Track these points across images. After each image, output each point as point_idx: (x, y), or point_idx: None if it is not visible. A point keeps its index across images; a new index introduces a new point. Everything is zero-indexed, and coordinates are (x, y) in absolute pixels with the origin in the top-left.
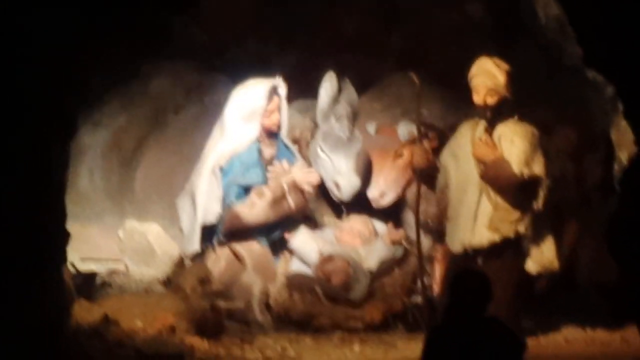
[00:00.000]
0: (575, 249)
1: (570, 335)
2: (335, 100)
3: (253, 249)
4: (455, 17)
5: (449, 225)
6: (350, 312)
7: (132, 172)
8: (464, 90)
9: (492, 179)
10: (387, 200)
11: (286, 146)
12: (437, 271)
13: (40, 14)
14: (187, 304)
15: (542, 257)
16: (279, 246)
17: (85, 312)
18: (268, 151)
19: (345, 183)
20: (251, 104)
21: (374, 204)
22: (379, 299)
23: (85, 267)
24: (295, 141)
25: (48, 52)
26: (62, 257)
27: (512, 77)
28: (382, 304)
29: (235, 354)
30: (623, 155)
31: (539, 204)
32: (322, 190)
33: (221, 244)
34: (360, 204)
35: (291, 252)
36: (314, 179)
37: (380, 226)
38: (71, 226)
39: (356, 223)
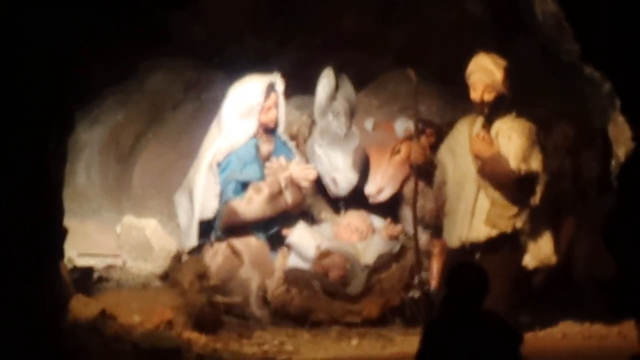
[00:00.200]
0: (573, 244)
1: (567, 330)
2: (333, 96)
3: (251, 244)
4: (453, 14)
5: (447, 221)
6: (347, 306)
7: (130, 168)
8: (462, 87)
9: (490, 174)
10: (385, 196)
11: (283, 142)
12: (435, 266)
13: (37, 11)
14: (184, 299)
15: (540, 252)
16: (276, 241)
17: (82, 307)
18: (265, 147)
19: (342, 179)
20: (249, 100)
21: (372, 200)
22: (377, 293)
23: (82, 262)
24: (293, 137)
25: (45, 48)
26: (60, 252)
27: (509, 74)
28: (380, 299)
29: (233, 348)
30: (620, 151)
31: (536, 199)
32: (319, 186)
33: (219, 239)
34: (357, 199)
35: (289, 247)
36: (311, 175)
37: (377, 222)
38: (69, 222)
39: (354, 219)
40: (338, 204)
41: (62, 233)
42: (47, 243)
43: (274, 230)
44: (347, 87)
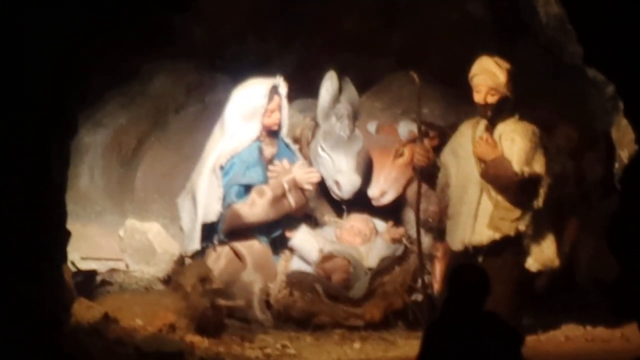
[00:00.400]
0: (576, 247)
1: (570, 333)
2: (336, 99)
3: (253, 248)
4: (456, 16)
5: (450, 224)
6: (350, 310)
7: (133, 172)
8: (465, 89)
9: (493, 177)
10: (388, 198)
11: (287, 145)
12: (438, 269)
13: (40, 13)
14: (187, 302)
15: (543, 255)
16: (279, 245)
17: (85, 311)
18: (269, 150)
19: (345, 182)
20: (252, 103)
21: (375, 203)
22: (380, 297)
23: (85, 265)
24: (296, 140)
25: (48, 51)
26: (63, 256)
27: (512, 76)
28: (383, 302)
29: (236, 352)
30: (623, 154)
31: (539, 202)
32: (322, 189)
33: (222, 242)
34: (360, 202)
35: (292, 250)
36: (315, 178)
37: (380, 225)
38: (72, 225)
39: (357, 222)
40: (341, 207)
41: (65, 236)
42: (50, 246)
43: (277, 233)
44: (350, 90)
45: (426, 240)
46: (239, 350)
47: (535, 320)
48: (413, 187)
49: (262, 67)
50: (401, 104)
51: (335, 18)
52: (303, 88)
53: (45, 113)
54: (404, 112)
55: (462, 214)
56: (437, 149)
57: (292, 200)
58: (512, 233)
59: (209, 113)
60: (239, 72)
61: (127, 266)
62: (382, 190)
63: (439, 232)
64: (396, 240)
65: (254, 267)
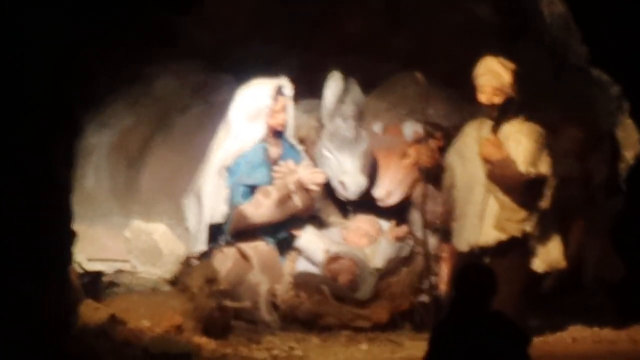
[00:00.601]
0: (582, 248)
1: (577, 334)
2: (341, 100)
3: (260, 249)
4: (460, 17)
5: (456, 225)
6: (357, 311)
7: (139, 172)
8: (470, 90)
9: (499, 178)
10: (394, 199)
11: (292, 146)
12: (444, 270)
13: (46, 16)
14: (194, 304)
15: (549, 256)
16: (285, 246)
17: (92, 312)
18: (274, 151)
19: (351, 182)
20: (257, 103)
21: (380, 204)
22: (386, 298)
23: (91, 267)
24: (301, 141)
25: (53, 53)
26: (69, 257)
27: (517, 77)
28: (389, 303)
29: (242, 353)
30: (629, 154)
31: (545, 203)
32: (328, 190)
33: (228, 243)
34: (366, 203)
35: (298, 251)
36: (320, 178)
37: (386, 226)
38: (77, 226)
39: (363, 223)
40: (347, 208)
41: (71, 237)
42: (56, 248)
43: (283, 234)
44: (356, 91)
45: (432, 241)
46: (245, 351)
47: (542, 322)
48: (419, 188)
49: (267, 68)
50: (406, 104)
51: (340, 19)
52: (308, 89)
53: (50, 114)
54: (409, 113)
55: (468, 215)
56: (443, 150)
57: (297, 201)
58: (518, 234)
59: (214, 114)
60: (243, 73)
61: (133, 267)
62: (388, 191)
63: (445, 233)
64: (400, 239)
65: (260, 268)
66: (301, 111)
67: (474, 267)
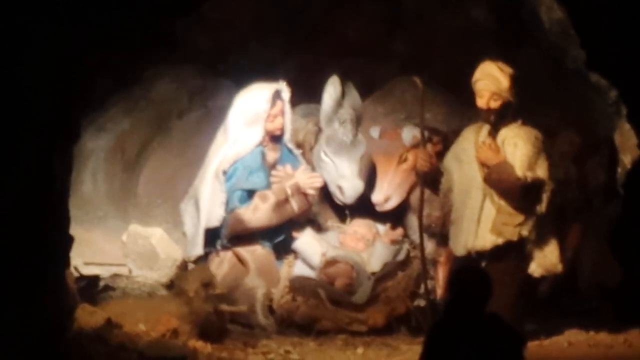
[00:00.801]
0: (579, 252)
1: (573, 338)
2: (339, 104)
3: (256, 253)
4: (459, 22)
5: (453, 229)
6: (353, 315)
7: (136, 177)
8: (468, 95)
9: (496, 182)
10: (392, 204)
11: (290, 150)
12: (441, 274)
13: (44, 20)
14: (190, 308)
15: (546, 260)
16: (282, 250)
17: (88, 316)
18: (271, 155)
19: (348, 187)
20: (255, 108)
21: (378, 208)
22: (383, 302)
23: (88, 271)
24: (299, 145)
25: (52, 57)
26: (66, 261)
27: (515, 81)
28: (386, 308)
29: (239, 357)
30: (626, 159)
31: (542, 207)
32: (325, 194)
33: (225, 247)
34: (364, 208)
35: (295, 254)
36: (318, 182)
37: (383, 229)
38: (74, 230)
39: (360, 227)
40: (344, 212)
41: (68, 241)
42: (53, 251)
43: (280, 238)
44: (353, 95)
45: (429, 245)
46: (242, 355)
47: (538, 326)
48: (416, 193)
49: (265, 73)
50: (404, 109)
51: (339, 24)
52: (306, 93)
53: (48, 118)
54: (407, 117)
55: (465, 219)
56: (440, 154)
57: (295, 205)
58: (515, 238)
59: (212, 118)
60: (242, 77)
61: (130, 271)
62: (387, 195)
63: (442, 237)
64: (395, 242)
65: (257, 272)
66: (299, 115)
67: (469, 270)
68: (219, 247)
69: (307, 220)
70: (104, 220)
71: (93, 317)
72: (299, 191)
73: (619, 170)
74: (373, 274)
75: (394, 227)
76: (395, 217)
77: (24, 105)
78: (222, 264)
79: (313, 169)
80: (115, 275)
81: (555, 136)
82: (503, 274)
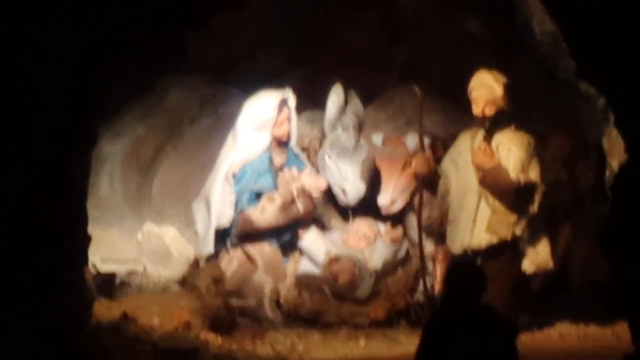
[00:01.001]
0: (569, 250)
1: (564, 331)
2: (342, 111)
3: (264, 251)
4: (456, 33)
5: (450, 228)
6: (356, 309)
7: (150, 179)
8: (464, 102)
9: (491, 184)
10: (397, 207)
11: (295, 154)
12: (438, 271)
13: (64, 33)
14: (201, 302)
15: (538, 257)
16: (288, 248)
17: (105, 310)
18: (278, 159)
19: (351, 189)
20: (262, 115)
21: (385, 211)
22: (383, 297)
23: (105, 268)
24: (304, 150)
25: (71, 67)
26: (84, 258)
27: (509, 90)
28: (386, 302)
29: (247, 348)
30: (614, 162)
31: (534, 208)
32: (329, 195)
33: (234, 246)
34: (365, 208)
35: (300, 251)
36: (322, 185)
37: (384, 229)
38: (92, 230)
39: (362, 227)
40: (347, 213)
41: (87, 240)
42: (72, 250)
43: (287, 237)
44: (356, 102)
45: (428, 244)
46: (250, 347)
47: (531, 319)
48: (417, 195)
49: (272, 81)
50: (404, 115)
51: (342, 34)
52: (311, 100)
53: (67, 125)
54: (407, 123)
55: (462, 219)
56: (438, 159)
57: (300, 206)
58: (508, 237)
59: (222, 124)
60: (250, 85)
61: (145, 268)
62: (392, 199)
63: (440, 236)
64: (395, 240)
65: (264, 269)
66: (304, 121)
67: (464, 265)
68: (228, 245)
69: (312, 220)
70: (120, 220)
71: (110, 311)
72: (305, 193)
73: (607, 173)
74: (375, 270)
75: (394, 227)
76: (396, 217)
77: (44, 113)
78: (231, 261)
79: (317, 172)
80: (131, 272)
81: (547, 141)
82: (498, 271)
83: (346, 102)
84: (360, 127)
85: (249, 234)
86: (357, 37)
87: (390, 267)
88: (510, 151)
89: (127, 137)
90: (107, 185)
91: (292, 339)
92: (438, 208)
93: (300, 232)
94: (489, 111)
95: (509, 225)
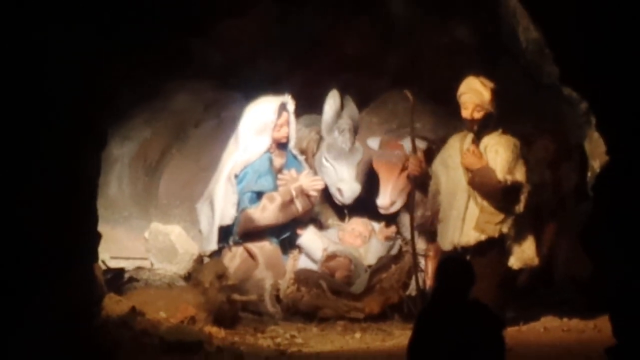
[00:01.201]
0: (553, 247)
1: (548, 324)
2: (338, 115)
3: (265, 248)
4: (445, 40)
5: (440, 227)
6: (351, 304)
7: (157, 180)
8: (453, 106)
9: (479, 185)
10: (396, 207)
11: (294, 156)
12: (430, 267)
13: (77, 41)
14: (205, 297)
15: (523, 254)
16: (288, 245)
17: (114, 305)
18: (278, 161)
19: (347, 189)
20: (263, 119)
21: (384, 211)
22: (378, 292)
23: (114, 264)
24: (303, 152)
25: (81, 73)
26: (94, 255)
27: (496, 94)
28: (381, 297)
29: (249, 341)
30: (595, 164)
31: (520, 207)
32: (326, 195)
33: (236, 243)
34: (360, 207)
35: (299, 250)
36: (319, 185)
37: (378, 227)
38: (102, 228)
39: (357, 225)
40: (343, 212)
41: (96, 238)
42: (83, 247)
43: (286, 235)
44: (351, 107)
45: (419, 241)
46: (252, 340)
47: (517, 313)
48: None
49: (272, 86)
50: (396, 119)
51: (338, 42)
52: (309, 105)
53: (78, 128)
54: (399, 127)
55: (452, 218)
56: (429, 160)
57: (299, 205)
58: (496, 235)
59: (225, 128)
60: (251, 91)
61: (151, 265)
62: (392, 200)
63: (431, 234)
64: (389, 238)
65: (265, 266)
66: (302, 125)
67: (454, 260)
68: (231, 243)
69: (310, 219)
70: (128, 219)
71: (119, 306)
72: (303, 193)
73: (589, 174)
74: (369, 267)
75: (388, 226)
76: (389, 216)
77: (56, 117)
78: (234, 258)
79: (315, 173)
80: (139, 268)
81: (532, 144)
82: (485, 267)
83: (342, 106)
84: (355, 130)
85: (250, 232)
86: (352, 45)
87: (384, 263)
88: (498, 153)
89: (134, 140)
90: (116, 186)
91: (291, 332)
92: (429, 207)
93: (299, 231)
94: (477, 115)
95: (496, 224)
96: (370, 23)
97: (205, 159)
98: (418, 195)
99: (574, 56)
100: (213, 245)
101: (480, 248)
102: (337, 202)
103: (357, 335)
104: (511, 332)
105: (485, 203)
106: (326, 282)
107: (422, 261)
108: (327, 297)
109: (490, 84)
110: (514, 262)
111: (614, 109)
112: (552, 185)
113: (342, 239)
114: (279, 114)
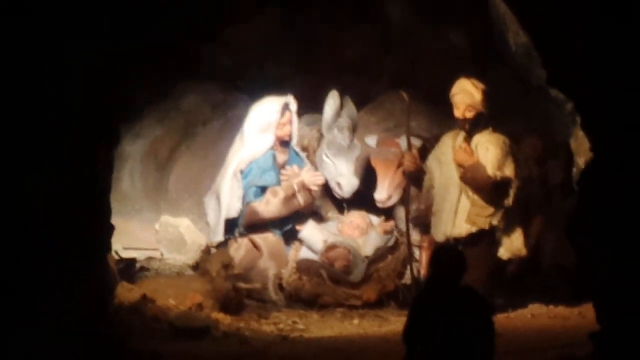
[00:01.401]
0: (540, 239)
1: (535, 311)
2: (338, 114)
3: (268, 239)
4: (440, 44)
5: (434, 219)
6: (350, 292)
7: (167, 175)
8: (447, 106)
9: (470, 180)
10: (393, 201)
11: (296, 153)
12: (424, 257)
13: (93, 45)
14: (212, 285)
15: (512, 245)
16: (290, 237)
17: (126, 292)
18: (281, 157)
19: (346, 183)
20: (267, 118)
21: (381, 205)
22: (375, 281)
23: (127, 254)
24: (304, 149)
25: (96, 75)
26: (108, 246)
27: (487, 95)
28: (377, 285)
29: (254, 327)
30: (580, 160)
31: (509, 201)
32: (326, 190)
33: (241, 235)
34: (359, 201)
35: (301, 241)
36: (320, 180)
37: (374, 219)
38: (115, 221)
39: (355, 217)
40: (342, 205)
41: (110, 230)
42: (97, 238)
43: (288, 227)
44: (350, 107)
45: (414, 233)
46: (256, 325)
47: (506, 301)
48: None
49: (276, 88)
50: (393, 118)
51: (338, 47)
52: (310, 105)
53: (93, 126)
54: (396, 126)
55: (445, 211)
56: (424, 157)
57: (301, 199)
58: (486, 227)
59: (231, 126)
60: (256, 91)
61: (161, 255)
62: (389, 194)
63: (425, 226)
64: (387, 232)
65: (269, 256)
66: (304, 124)
67: (446, 249)
68: (236, 234)
69: (311, 212)
70: (140, 212)
71: (131, 294)
72: (304, 187)
73: (575, 170)
74: (367, 257)
75: (387, 220)
76: (386, 209)
77: (72, 115)
78: (239, 248)
79: (316, 168)
80: (149, 258)
81: (521, 141)
82: (476, 257)
83: (342, 106)
84: (354, 129)
85: (255, 224)
86: (352, 49)
87: (381, 253)
88: (488, 150)
89: (146, 138)
90: (128, 181)
91: (293, 318)
92: (424, 201)
93: (298, 227)
94: (469, 114)
95: (486, 216)
96: (370, 29)
97: (212, 156)
98: (413, 190)
99: (560, 59)
100: (220, 237)
101: (472, 239)
102: (336, 195)
103: (355, 321)
104: (500, 319)
105: (476, 197)
106: (326, 271)
107: (416, 252)
108: (327, 285)
109: (481, 86)
110: (503, 252)
111: (598, 109)
112: (539, 181)
113: (341, 230)
114: (282, 114)
